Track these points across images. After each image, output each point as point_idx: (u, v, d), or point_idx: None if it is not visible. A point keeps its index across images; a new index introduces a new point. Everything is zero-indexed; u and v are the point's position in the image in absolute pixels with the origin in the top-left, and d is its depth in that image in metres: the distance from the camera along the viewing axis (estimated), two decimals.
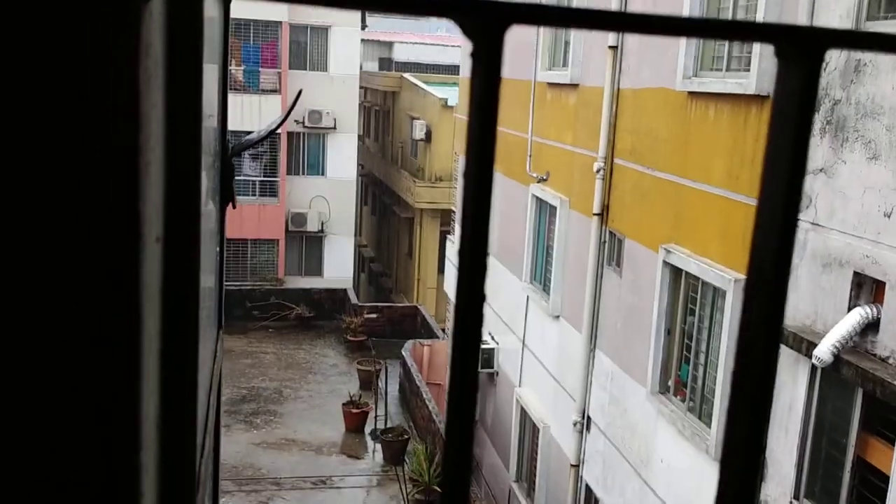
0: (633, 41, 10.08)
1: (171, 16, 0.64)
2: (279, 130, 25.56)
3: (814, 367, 6.62)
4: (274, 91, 25.76)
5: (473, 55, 0.45)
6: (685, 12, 8.65)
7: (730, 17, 8.19)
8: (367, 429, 17.92)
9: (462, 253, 0.51)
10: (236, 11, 25.84)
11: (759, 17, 7.43)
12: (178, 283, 0.71)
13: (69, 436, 0.52)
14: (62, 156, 0.49)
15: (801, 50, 0.48)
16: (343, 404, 18.10)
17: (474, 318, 0.48)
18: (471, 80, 0.46)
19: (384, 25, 44.75)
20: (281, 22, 25.74)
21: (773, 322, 0.53)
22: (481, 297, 0.50)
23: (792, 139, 0.49)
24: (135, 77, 0.49)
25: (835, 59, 6.57)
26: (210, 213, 1.54)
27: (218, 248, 1.82)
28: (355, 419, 17.89)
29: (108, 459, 0.53)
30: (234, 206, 1.88)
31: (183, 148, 0.69)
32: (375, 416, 17.78)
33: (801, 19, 6.87)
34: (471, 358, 0.47)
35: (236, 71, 25.74)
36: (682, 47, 8.70)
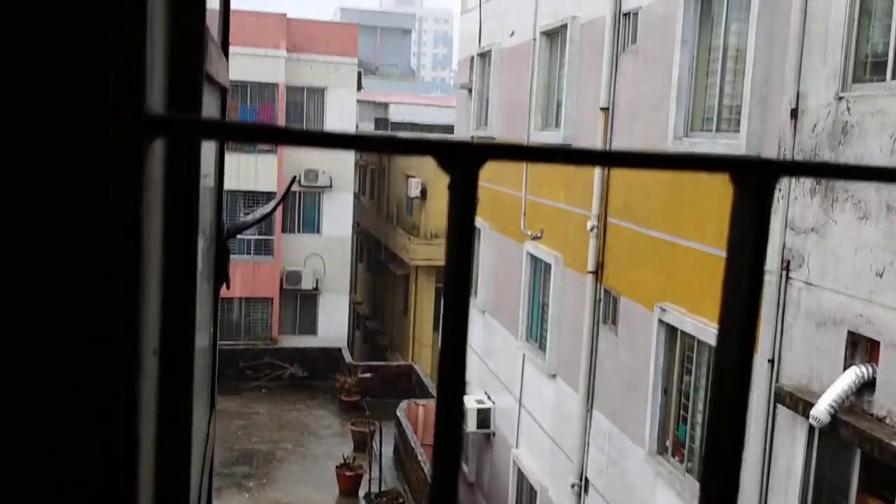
0: (624, 101, 10.24)
1: (171, 151, 0.66)
2: (275, 190, 25.72)
3: (811, 428, 6.58)
4: (270, 151, 25.99)
5: (450, 187, 0.48)
6: (674, 78, 8.81)
7: (718, 81, 8.34)
8: (362, 492, 17.63)
9: (441, 370, 0.52)
10: (232, 73, 26.27)
11: (748, 80, 7.58)
12: (172, 391, 0.72)
13: None
14: (67, 285, 0.51)
15: (755, 179, 0.51)
16: (337, 467, 17.85)
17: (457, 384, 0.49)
18: (448, 207, 0.48)
19: (380, 87, 45.44)
20: (278, 84, 26.12)
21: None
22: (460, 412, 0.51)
23: (749, 262, 0.52)
24: (137, 210, 0.51)
25: (822, 120, 6.68)
26: (206, 296, 1.56)
27: (212, 330, 1.83)
28: (349, 482, 17.61)
29: None
30: (227, 287, 1.90)
31: (178, 264, 0.71)
32: (370, 479, 17.52)
33: (789, 83, 7.00)
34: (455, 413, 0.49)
35: None
36: (673, 108, 8.85)
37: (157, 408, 0.69)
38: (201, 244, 1.36)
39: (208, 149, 1.54)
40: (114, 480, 0.54)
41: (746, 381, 0.57)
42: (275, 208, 3.04)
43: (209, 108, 1.31)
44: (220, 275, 1.79)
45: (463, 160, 0.46)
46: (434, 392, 21.31)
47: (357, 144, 0.43)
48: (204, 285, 1.47)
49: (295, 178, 4.43)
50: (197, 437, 1.29)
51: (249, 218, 3.47)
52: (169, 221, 0.68)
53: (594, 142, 10.69)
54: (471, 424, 14.61)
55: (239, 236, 26.36)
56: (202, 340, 1.42)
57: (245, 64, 25.19)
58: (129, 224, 0.51)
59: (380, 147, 0.44)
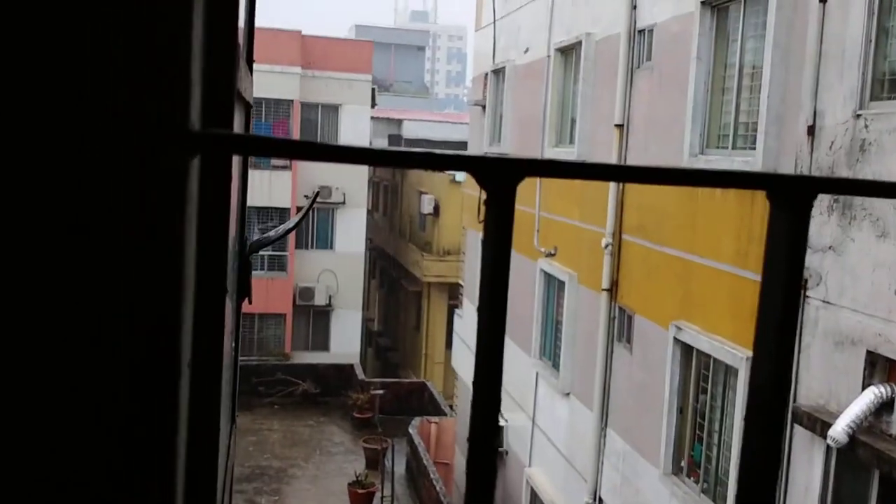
0: (639, 118, 10.23)
1: (205, 167, 0.67)
2: (289, 206, 25.83)
3: (829, 448, 6.50)
4: (285, 168, 26.13)
5: (487, 203, 0.47)
6: (689, 95, 8.79)
7: (734, 98, 8.32)
8: None
9: (476, 387, 0.52)
10: None
11: (764, 97, 7.55)
12: (202, 405, 0.73)
13: None
14: (111, 298, 0.52)
15: (791, 195, 0.51)
16: (349, 484, 17.78)
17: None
18: (485, 222, 0.47)
19: (394, 103, 45.66)
20: (293, 101, 26.28)
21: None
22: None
23: (784, 279, 0.51)
24: (181, 226, 0.53)
25: (839, 137, 6.64)
26: (229, 312, 1.55)
27: (234, 344, 1.82)
28: (361, 500, 17.53)
29: None
30: (250, 302, 1.89)
31: (209, 279, 0.71)
32: (382, 497, 17.43)
33: (806, 100, 6.97)
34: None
35: None
36: (688, 125, 8.83)
37: (188, 421, 0.70)
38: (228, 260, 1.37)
39: (234, 165, 1.54)
40: (153, 492, 0.56)
41: (783, 403, 0.55)
42: (298, 223, 3.04)
43: (238, 123, 1.31)
44: (243, 289, 1.79)
45: (501, 175, 0.45)
46: (446, 409, 21.24)
47: (393, 161, 0.42)
48: (228, 299, 1.47)
49: (318, 192, 4.46)
50: (221, 450, 1.28)
51: (273, 233, 3.48)
52: (201, 236, 0.68)
53: (608, 158, 10.67)
54: None
55: None
56: (226, 356, 1.41)
57: (260, 80, 25.30)
58: (174, 240, 0.52)
59: (417, 163, 0.43)
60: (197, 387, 0.71)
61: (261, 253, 26.65)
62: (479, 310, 0.48)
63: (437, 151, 0.43)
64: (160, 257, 0.52)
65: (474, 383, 0.48)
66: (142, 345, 0.52)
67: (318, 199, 26.86)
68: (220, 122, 0.75)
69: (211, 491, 0.81)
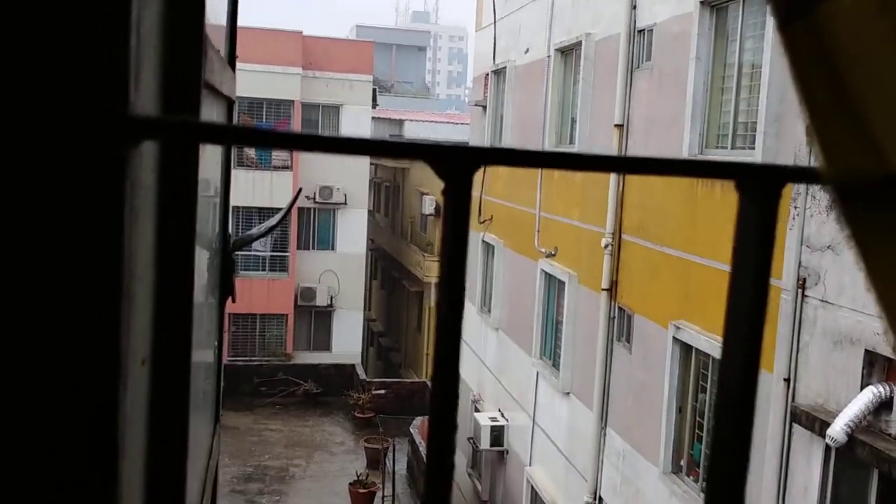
0: (639, 118, 10.23)
1: (166, 154, 0.66)
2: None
3: (828, 448, 6.50)
4: (285, 168, 26.14)
5: (444, 193, 0.47)
6: (688, 95, 8.79)
7: (733, 98, 8.32)
8: None
9: (434, 383, 0.52)
10: (249, 90, 26.35)
11: (763, 97, 7.56)
12: (166, 400, 0.72)
13: None
14: (44, 291, 0.50)
15: (760, 185, 0.51)
16: (350, 484, 17.78)
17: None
18: (443, 213, 0.48)
19: (395, 104, 45.66)
20: (293, 101, 26.29)
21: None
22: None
23: (753, 270, 0.51)
24: (119, 214, 0.50)
25: None
26: (210, 309, 1.56)
27: (216, 343, 1.83)
28: (362, 500, 17.54)
29: None
30: (233, 301, 1.89)
31: (173, 274, 0.71)
32: (383, 497, 17.44)
33: None
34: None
35: (249, 148, 26.18)
36: (687, 124, 8.83)
37: (149, 419, 0.69)
38: (206, 256, 1.36)
39: (213, 162, 1.55)
40: (92, 488, 0.53)
41: (752, 395, 0.56)
42: (280, 220, 3.05)
43: (214, 117, 1.31)
44: (226, 287, 1.79)
45: (456, 164, 0.45)
46: None
47: (346, 148, 0.43)
48: (208, 297, 1.47)
49: (300, 189, 4.45)
50: (198, 451, 1.28)
51: (255, 231, 3.48)
52: (163, 229, 0.67)
53: None
54: (484, 442, 14.53)
55: (254, 253, 26.49)
56: (204, 354, 1.41)
57: (261, 81, 25.39)
58: (111, 228, 0.50)
59: (371, 150, 0.44)
60: (161, 385, 0.71)
61: (262, 253, 26.67)
62: (438, 294, 0.49)
63: (389, 139, 0.44)
64: (94, 248, 0.50)
65: (433, 373, 0.49)
66: (77, 343, 0.50)
67: (320, 200, 26.88)
68: (183, 113, 0.74)
69: (179, 491, 0.79)
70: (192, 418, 1.00)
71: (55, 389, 0.51)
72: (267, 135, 0.41)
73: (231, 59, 1.73)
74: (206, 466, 1.51)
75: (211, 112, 1.30)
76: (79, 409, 0.52)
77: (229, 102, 1.65)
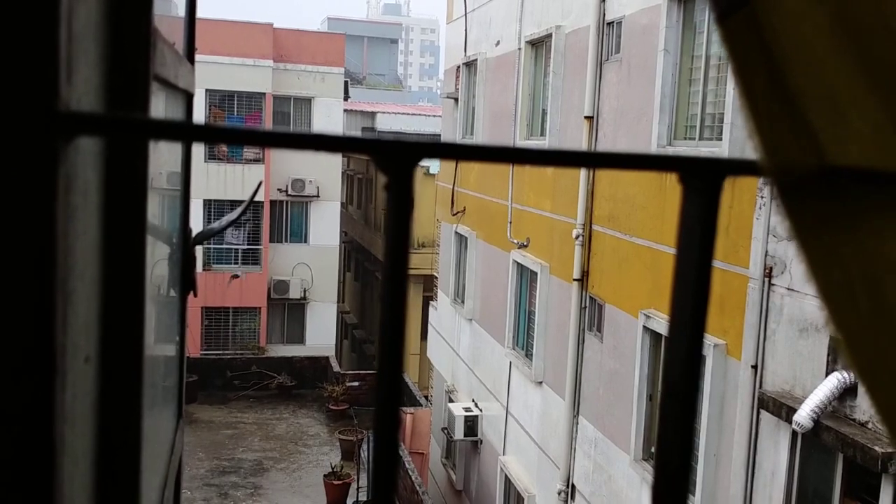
0: (608, 110, 10.30)
1: (109, 148, 0.66)
2: (262, 200, 25.68)
3: (794, 433, 6.61)
4: (257, 161, 25.96)
5: (386, 187, 0.49)
6: (657, 87, 8.86)
7: (701, 90, 8.40)
8: (350, 501, 17.56)
9: (379, 373, 0.54)
10: (220, 83, 26.02)
11: (730, 88, 7.64)
12: (116, 397, 0.72)
13: None
14: None
15: (703, 178, 0.52)
16: (324, 476, 17.78)
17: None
18: (386, 205, 0.50)
19: (367, 96, 45.47)
20: (265, 93, 26.10)
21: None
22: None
23: (696, 260, 0.53)
24: (49, 210, 0.50)
25: None
26: (169, 304, 1.56)
27: (178, 338, 1.82)
28: (337, 491, 17.54)
29: None
30: (195, 295, 1.90)
31: (122, 270, 0.71)
32: (358, 488, 17.46)
33: None
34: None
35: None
36: (656, 116, 8.91)
37: (97, 416, 0.68)
38: (165, 250, 1.36)
39: (172, 155, 1.55)
40: (27, 485, 0.52)
41: (694, 380, 0.58)
42: (241, 214, 3.05)
43: (170, 111, 1.31)
44: (187, 282, 1.79)
45: (397, 158, 0.47)
46: (421, 400, 21.27)
47: (288, 143, 0.44)
48: (168, 292, 1.47)
49: (260, 183, 4.45)
50: (157, 447, 1.28)
51: (216, 224, 3.48)
52: (111, 225, 0.67)
53: (580, 149, 10.73)
54: (458, 432, 14.59)
55: (226, 246, 26.30)
56: (163, 348, 1.41)
57: (232, 73, 25.17)
58: (41, 222, 0.49)
59: (315, 145, 0.46)
60: (109, 382, 0.71)
61: (234, 247, 26.50)
62: (382, 288, 0.51)
63: (331, 133, 0.45)
64: (23, 242, 0.49)
65: (377, 363, 0.51)
66: (6, 337, 0.49)
67: (292, 192, 26.74)
68: (131, 108, 0.74)
69: (132, 488, 0.79)
70: (150, 414, 1.01)
71: None
72: (207, 129, 0.42)
73: (190, 53, 1.73)
74: (167, 462, 1.51)
75: (167, 106, 1.30)
76: (9, 403, 0.51)
77: (187, 96, 1.64)
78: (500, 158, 0.54)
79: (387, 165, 0.48)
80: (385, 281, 0.49)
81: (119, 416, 0.73)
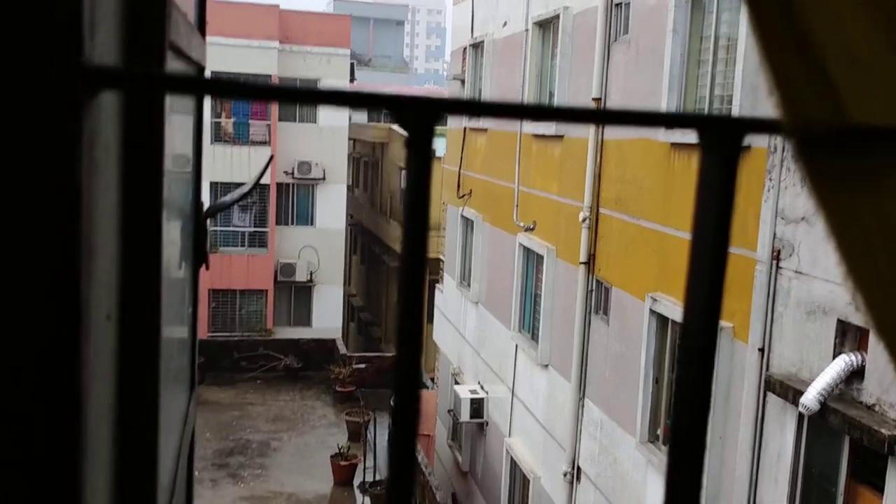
0: (616, 91, 10.25)
1: (128, 106, 0.66)
2: (268, 182, 25.70)
3: (801, 416, 6.62)
4: (263, 143, 25.96)
5: (407, 144, 0.49)
6: (665, 68, 8.81)
7: (709, 70, 8.35)
8: (356, 481, 17.68)
9: (399, 329, 0.53)
10: (226, 65, 26.05)
11: (739, 69, 7.59)
12: (135, 357, 0.73)
13: None
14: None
15: (722, 136, 0.51)
16: (331, 456, 17.89)
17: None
18: (406, 164, 0.49)
19: (373, 78, 45.34)
20: (271, 75, 26.05)
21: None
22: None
23: (714, 223, 0.52)
24: (75, 161, 0.50)
25: None
26: (183, 275, 1.56)
27: (191, 309, 1.83)
28: (344, 472, 17.66)
29: None
30: (206, 268, 1.90)
31: (139, 229, 0.71)
32: (364, 469, 17.56)
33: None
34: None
35: (226, 123, 25.96)
36: (664, 97, 8.86)
37: (118, 375, 0.69)
38: (178, 222, 1.36)
39: (184, 129, 1.54)
40: (54, 437, 0.53)
41: (712, 346, 0.57)
42: (253, 187, 3.05)
43: None
44: (199, 255, 1.80)
45: (418, 114, 0.47)
46: (427, 382, 21.35)
47: (304, 98, 0.44)
48: (181, 262, 1.47)
49: (272, 157, 4.46)
50: (173, 415, 1.29)
51: (228, 198, 3.49)
52: (128, 184, 0.68)
53: (586, 131, 10.69)
54: (464, 414, 14.65)
55: (233, 229, 26.34)
56: (177, 316, 1.42)
57: (238, 55, 25.11)
58: (67, 174, 0.50)
59: (331, 100, 0.45)
60: (128, 340, 0.71)
61: (241, 229, 26.55)
62: (401, 252, 0.50)
63: (347, 89, 0.45)
64: (50, 193, 0.49)
65: (397, 333, 0.50)
66: (35, 286, 0.50)
67: (298, 175, 26.73)
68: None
69: (151, 441, 0.80)
70: (164, 382, 1.01)
71: (14, 330, 0.51)
72: (224, 84, 0.42)
73: (201, 26, 1.72)
74: (181, 432, 1.52)
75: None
76: (39, 347, 0.52)
77: (199, 68, 1.64)
78: (517, 114, 0.53)
79: (408, 122, 0.47)
80: (405, 237, 0.49)
81: (136, 373, 0.73)
